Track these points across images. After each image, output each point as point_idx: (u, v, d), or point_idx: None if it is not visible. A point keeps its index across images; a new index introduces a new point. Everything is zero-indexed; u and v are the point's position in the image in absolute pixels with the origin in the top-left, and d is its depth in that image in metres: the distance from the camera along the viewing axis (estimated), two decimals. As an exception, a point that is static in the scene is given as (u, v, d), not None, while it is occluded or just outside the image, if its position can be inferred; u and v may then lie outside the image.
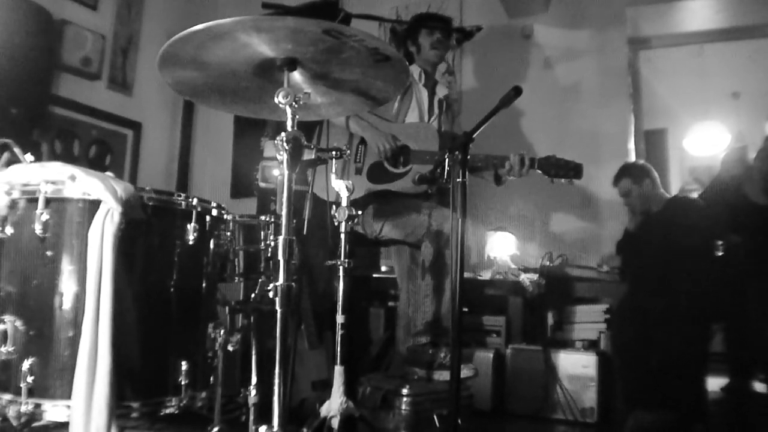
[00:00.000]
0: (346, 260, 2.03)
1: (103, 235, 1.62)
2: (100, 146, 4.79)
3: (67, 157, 4.43)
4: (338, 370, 2.01)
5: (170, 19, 5.31)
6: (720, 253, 3.25)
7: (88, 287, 1.60)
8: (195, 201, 1.90)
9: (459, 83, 4.40)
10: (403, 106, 3.04)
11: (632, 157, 4.05)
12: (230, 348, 1.98)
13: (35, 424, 1.70)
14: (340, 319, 2.02)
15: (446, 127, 3.19)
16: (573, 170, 2.73)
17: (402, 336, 2.91)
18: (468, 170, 1.94)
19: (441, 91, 3.20)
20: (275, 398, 1.51)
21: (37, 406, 1.63)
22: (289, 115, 1.59)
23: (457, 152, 1.93)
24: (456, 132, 3.21)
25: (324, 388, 2.56)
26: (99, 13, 4.78)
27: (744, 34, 4.50)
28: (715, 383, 3.16)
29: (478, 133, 1.96)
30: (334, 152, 2.00)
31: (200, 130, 5.62)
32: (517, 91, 1.93)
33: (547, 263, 3.74)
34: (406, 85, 2.91)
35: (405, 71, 1.76)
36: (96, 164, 4.68)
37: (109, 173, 1.78)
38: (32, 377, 1.63)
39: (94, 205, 1.67)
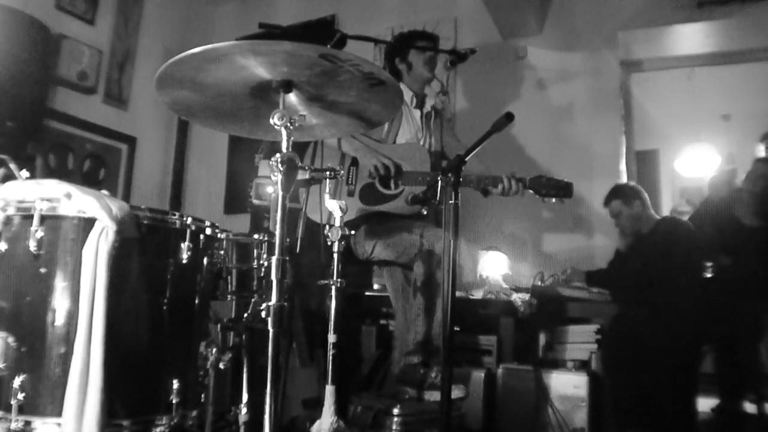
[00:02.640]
0: (339, 279, 2.04)
1: (97, 253, 1.63)
2: (95, 160, 4.80)
3: (62, 171, 4.44)
4: (329, 389, 2.01)
5: (167, 34, 5.34)
6: (710, 275, 3.28)
7: (81, 304, 1.60)
8: (189, 220, 1.90)
9: (453, 103, 4.45)
10: (393, 128, 3.06)
11: (624, 178, 4.10)
12: (221, 366, 1.97)
13: (25, 441, 1.70)
14: (331, 338, 2.02)
15: (436, 136, 3.22)
16: (563, 189, 2.76)
17: (397, 357, 2.90)
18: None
19: (428, 103, 3.24)
20: (266, 416, 1.52)
21: (27, 423, 1.62)
22: (285, 137, 1.61)
23: (449, 174, 1.95)
24: (448, 138, 3.25)
25: (315, 407, 2.55)
26: (96, 28, 4.82)
27: (734, 58, 4.58)
28: (705, 404, 3.18)
29: (470, 156, 1.99)
30: (328, 173, 2.02)
31: (195, 145, 5.64)
32: (509, 117, 1.96)
33: (539, 283, 3.75)
34: (400, 109, 2.94)
35: (399, 95, 1.79)
36: (90, 178, 4.69)
37: (104, 191, 1.78)
38: (23, 394, 1.62)
39: (88, 223, 1.67)
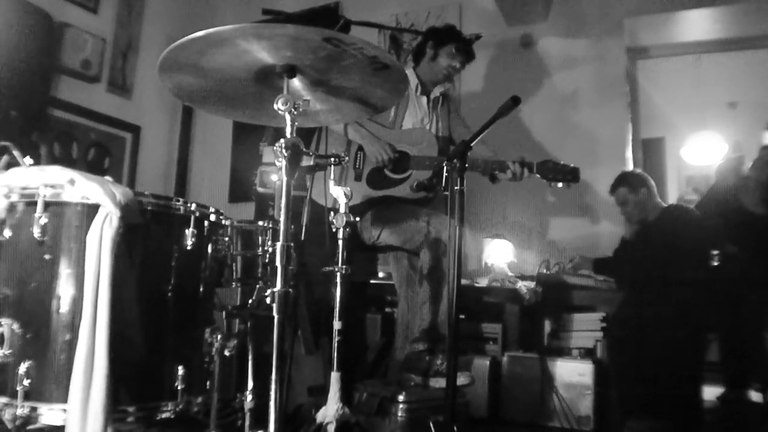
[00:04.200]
0: (344, 267, 2.03)
1: (101, 239, 1.62)
2: (99, 149, 4.79)
3: (66, 160, 4.44)
4: (335, 376, 2.01)
5: (170, 22, 5.33)
6: (716, 263, 3.26)
7: (86, 291, 1.60)
8: (193, 206, 1.89)
9: (458, 90, 4.42)
10: (399, 113, 3.06)
11: (630, 166, 4.08)
12: (227, 353, 1.97)
13: (31, 427, 1.70)
14: (337, 325, 2.02)
15: (444, 122, 3.21)
16: (570, 174, 2.76)
17: (400, 343, 2.91)
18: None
19: (437, 90, 3.22)
20: (271, 403, 1.51)
21: (33, 409, 1.62)
22: (288, 122, 1.60)
23: (455, 160, 1.94)
24: (455, 124, 3.24)
25: (320, 394, 2.56)
26: (99, 17, 4.80)
27: (741, 45, 4.54)
28: (710, 392, 3.17)
29: (476, 141, 1.97)
30: (332, 159, 2.00)
31: (199, 133, 5.63)
32: (515, 101, 1.95)
33: (545, 271, 3.75)
34: (405, 94, 2.93)
35: (404, 80, 1.77)
36: (94, 167, 4.69)
37: (108, 177, 1.78)
38: (28, 380, 1.62)
39: (92, 209, 1.66)
